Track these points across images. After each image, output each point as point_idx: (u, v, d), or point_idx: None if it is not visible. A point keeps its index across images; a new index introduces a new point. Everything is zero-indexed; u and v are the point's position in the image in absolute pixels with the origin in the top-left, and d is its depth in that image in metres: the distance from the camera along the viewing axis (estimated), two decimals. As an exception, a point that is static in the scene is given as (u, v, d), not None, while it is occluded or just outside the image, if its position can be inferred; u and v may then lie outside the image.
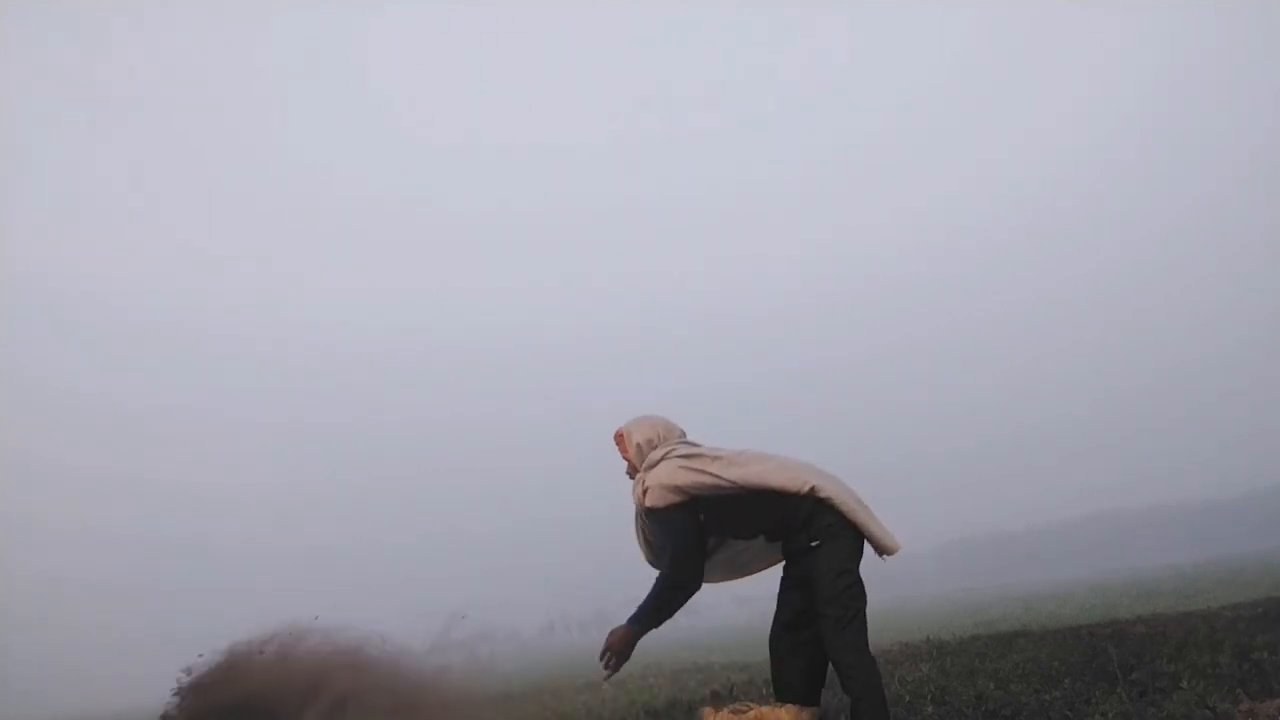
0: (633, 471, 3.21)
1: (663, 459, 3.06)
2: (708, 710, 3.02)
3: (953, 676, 4.99)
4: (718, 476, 2.96)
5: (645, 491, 3.02)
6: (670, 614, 3.03)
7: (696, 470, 2.97)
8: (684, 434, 3.26)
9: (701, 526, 3.02)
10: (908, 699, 4.41)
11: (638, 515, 3.19)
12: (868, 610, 2.94)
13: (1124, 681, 4.09)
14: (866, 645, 2.86)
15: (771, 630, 3.11)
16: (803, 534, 2.96)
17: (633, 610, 3.05)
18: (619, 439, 3.24)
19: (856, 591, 2.91)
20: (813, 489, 2.93)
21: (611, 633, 3.03)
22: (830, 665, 2.96)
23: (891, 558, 3.03)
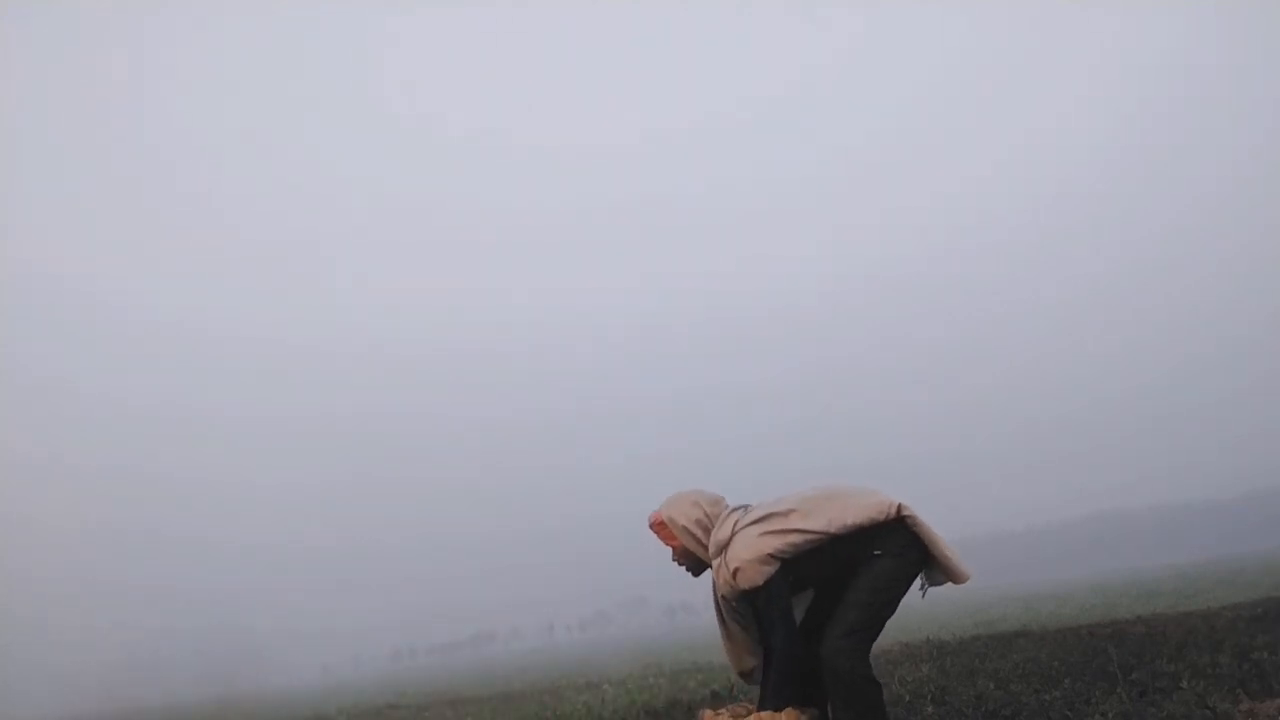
0: (683, 558, 3.02)
1: (734, 534, 2.88)
2: (706, 711, 3.01)
3: (953, 676, 4.99)
4: (808, 531, 2.82)
5: (736, 573, 2.82)
6: (791, 690, 2.82)
7: (781, 533, 2.83)
8: (723, 498, 3.08)
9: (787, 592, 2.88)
10: (908, 699, 4.41)
11: (722, 605, 2.97)
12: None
13: (1124, 681, 4.09)
14: (868, 660, 2.80)
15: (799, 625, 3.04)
16: (867, 547, 2.87)
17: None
18: (659, 528, 3.03)
19: (888, 613, 2.84)
20: (899, 509, 2.85)
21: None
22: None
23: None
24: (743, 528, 2.86)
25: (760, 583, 2.78)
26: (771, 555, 2.79)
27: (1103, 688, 4.03)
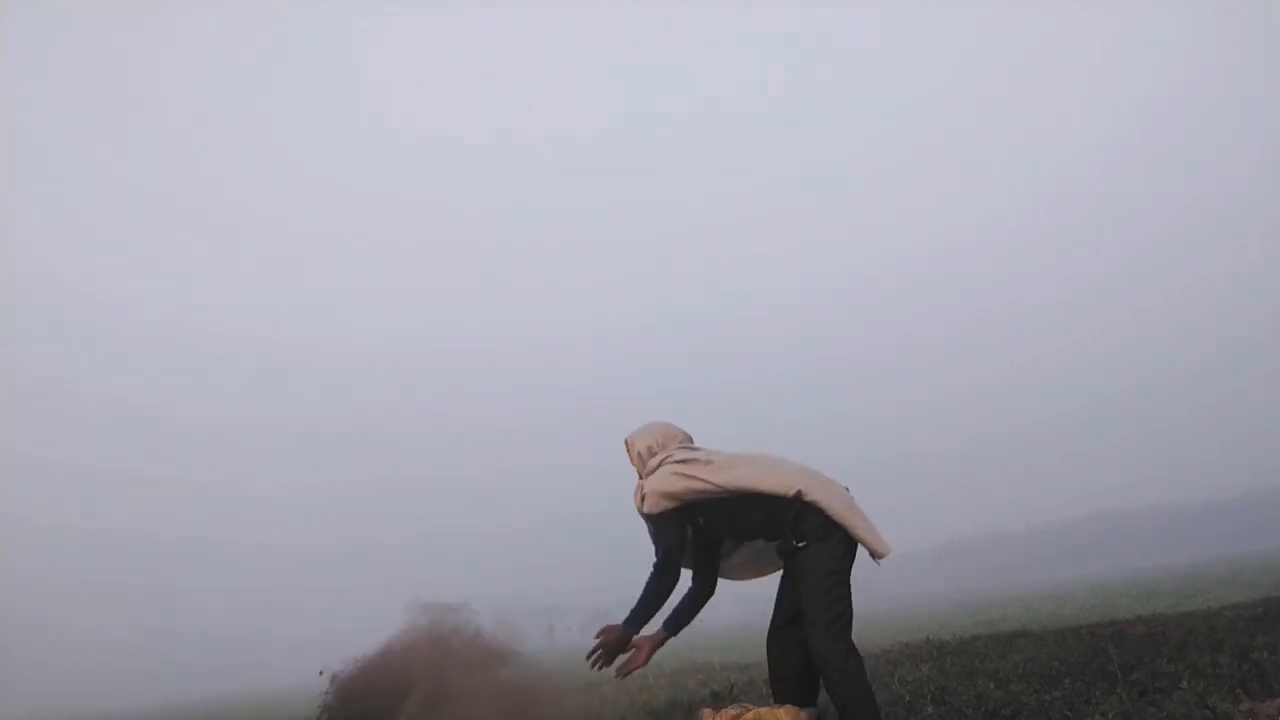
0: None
1: (659, 465, 3.14)
2: (706, 711, 3.02)
3: (953, 676, 4.99)
4: (706, 481, 3.02)
5: (643, 498, 3.11)
6: (656, 611, 3.09)
7: (687, 476, 3.04)
8: (688, 438, 3.32)
9: (686, 531, 3.12)
10: (908, 699, 4.41)
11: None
12: (858, 610, 2.96)
13: (1124, 681, 4.09)
14: (852, 647, 2.86)
15: (769, 630, 3.13)
16: (790, 535, 2.98)
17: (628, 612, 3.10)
18: (627, 448, 3.33)
19: (840, 593, 2.90)
20: (799, 492, 2.95)
21: (604, 629, 3.08)
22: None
23: (891, 558, 3.03)
24: (669, 464, 3.11)
25: (654, 513, 3.07)
26: (671, 493, 3.04)
27: (1103, 688, 4.03)
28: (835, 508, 2.94)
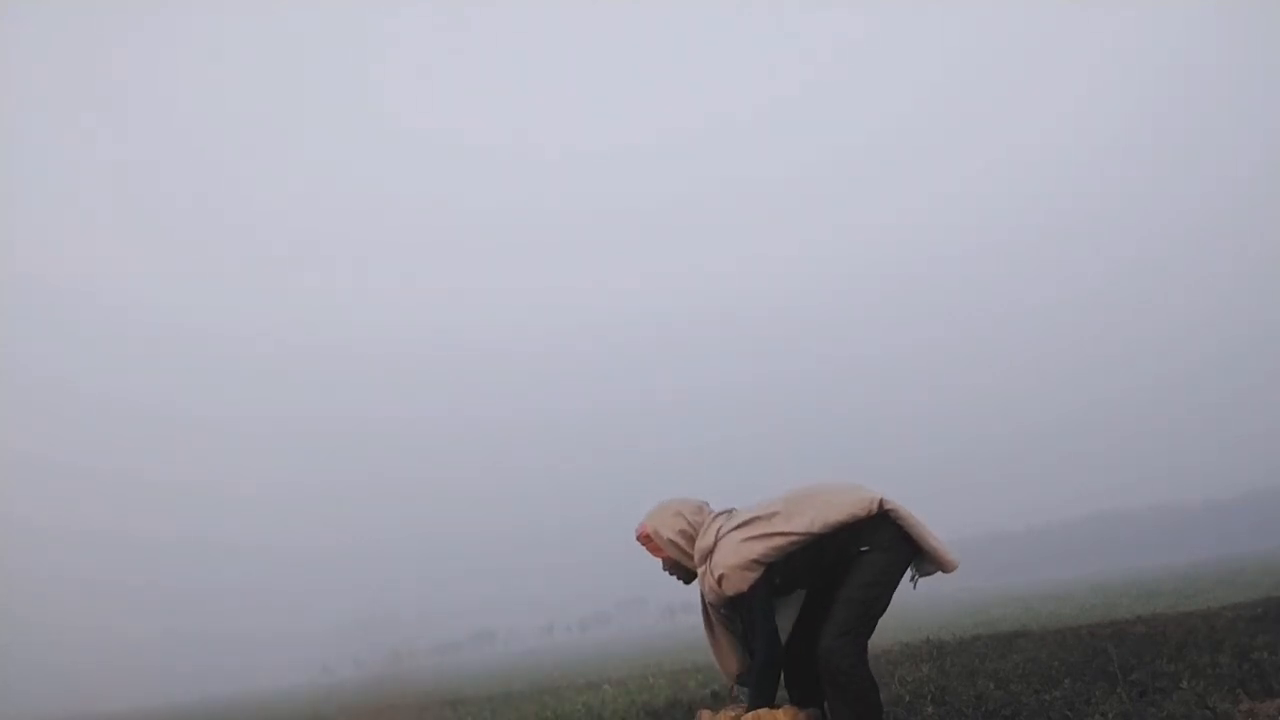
0: (672, 568, 3.05)
1: (719, 540, 2.90)
2: (705, 712, 3.01)
3: (953, 677, 4.98)
4: (788, 534, 2.83)
5: (721, 580, 2.84)
6: (774, 691, 2.87)
7: (764, 537, 2.83)
8: (706, 504, 3.11)
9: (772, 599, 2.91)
10: (908, 699, 4.41)
11: (710, 611, 3.00)
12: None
13: (1124, 681, 4.09)
14: (865, 659, 2.79)
15: (792, 633, 3.03)
16: (854, 544, 2.87)
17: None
18: (645, 540, 3.06)
19: (878, 608, 2.85)
20: (881, 503, 2.85)
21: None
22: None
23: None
24: (725, 534, 2.88)
25: (745, 589, 2.80)
26: (756, 561, 2.80)
27: (1103, 688, 4.03)
28: (912, 519, 2.86)
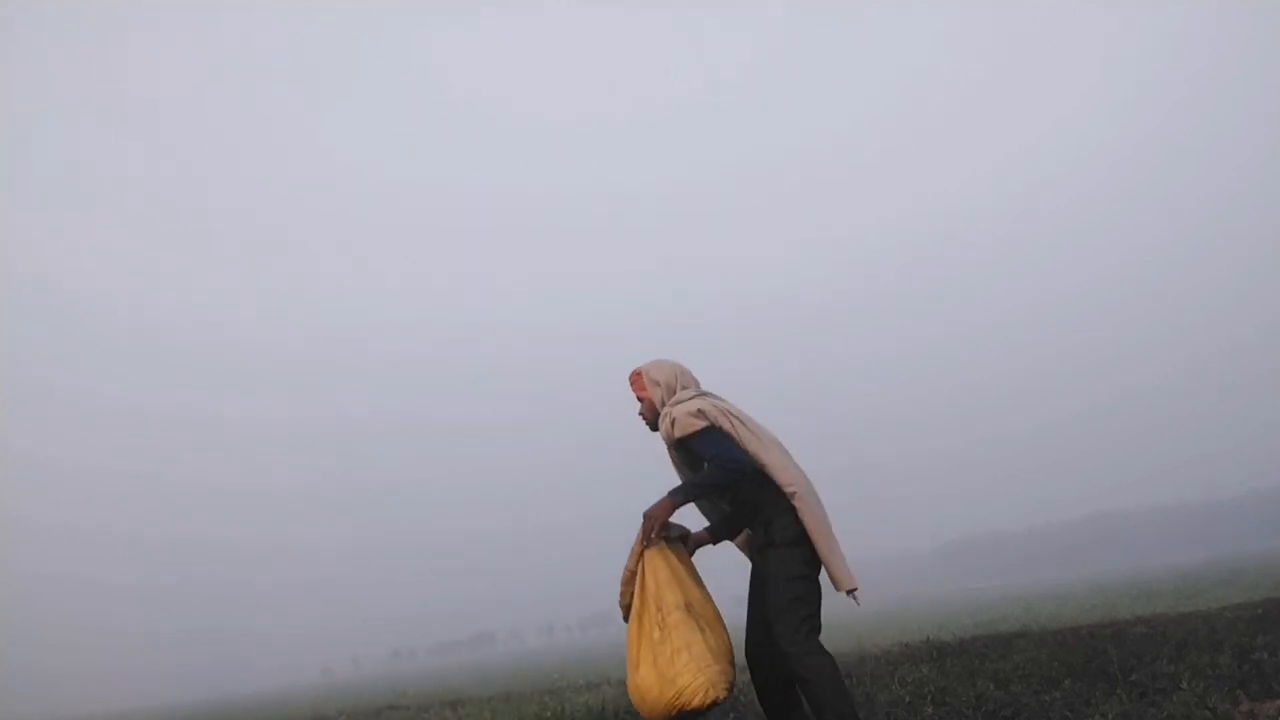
0: (648, 412, 3.16)
1: (689, 398, 3.03)
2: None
3: (953, 677, 4.98)
4: (739, 434, 2.94)
5: (673, 422, 2.98)
6: (712, 490, 2.97)
7: (722, 413, 2.96)
8: (700, 383, 3.23)
9: (735, 441, 2.96)
10: (908, 699, 4.41)
11: (669, 452, 3.14)
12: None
13: (1124, 682, 4.09)
14: (820, 647, 2.82)
15: (747, 640, 3.08)
16: (762, 531, 2.95)
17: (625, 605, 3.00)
18: (635, 378, 3.18)
19: (808, 597, 2.87)
20: (793, 494, 2.90)
21: (652, 508, 2.94)
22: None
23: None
24: (702, 396, 3.04)
25: (691, 432, 2.94)
26: (703, 412, 2.95)
27: (1103, 688, 4.03)
28: (816, 528, 2.88)
